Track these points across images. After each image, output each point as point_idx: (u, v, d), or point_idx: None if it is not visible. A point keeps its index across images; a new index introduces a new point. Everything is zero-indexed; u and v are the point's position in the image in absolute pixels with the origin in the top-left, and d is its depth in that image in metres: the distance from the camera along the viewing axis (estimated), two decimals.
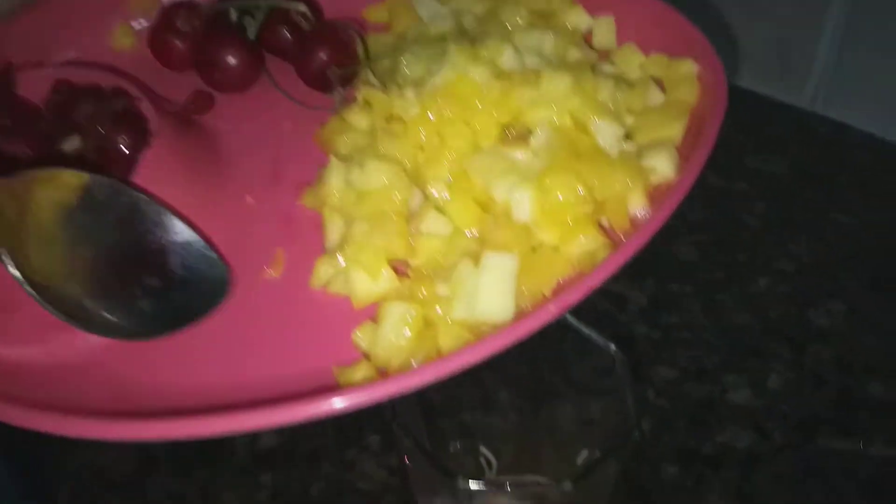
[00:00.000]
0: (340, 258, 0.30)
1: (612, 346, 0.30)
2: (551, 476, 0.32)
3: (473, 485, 0.26)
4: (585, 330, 0.31)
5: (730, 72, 0.70)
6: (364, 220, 0.30)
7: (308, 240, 0.34)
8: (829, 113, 0.67)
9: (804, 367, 0.50)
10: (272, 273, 0.32)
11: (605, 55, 0.39)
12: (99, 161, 0.30)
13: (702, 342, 0.52)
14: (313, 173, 0.35)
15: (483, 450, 0.37)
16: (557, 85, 0.32)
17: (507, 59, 0.34)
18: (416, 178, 0.31)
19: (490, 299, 0.26)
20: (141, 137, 0.31)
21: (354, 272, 0.29)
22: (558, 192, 0.29)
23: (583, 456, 0.33)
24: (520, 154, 0.31)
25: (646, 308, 0.54)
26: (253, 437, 0.46)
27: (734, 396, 0.49)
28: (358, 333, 0.28)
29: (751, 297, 0.54)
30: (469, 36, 0.37)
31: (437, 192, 0.31)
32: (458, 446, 0.36)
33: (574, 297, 0.24)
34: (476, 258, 0.28)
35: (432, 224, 0.30)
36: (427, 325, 0.27)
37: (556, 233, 0.29)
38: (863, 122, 0.66)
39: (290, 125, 0.41)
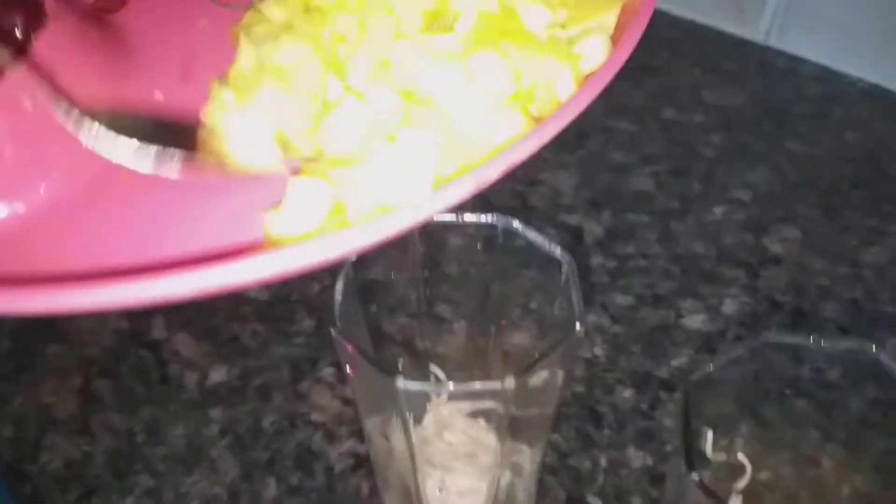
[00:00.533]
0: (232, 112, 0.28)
1: (558, 249, 0.30)
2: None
3: (414, 385, 0.25)
4: (531, 234, 0.30)
5: (685, 6, 0.70)
6: (273, 89, 0.28)
7: None
8: (784, 46, 0.67)
9: (759, 291, 0.50)
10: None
11: None
12: None
13: (657, 270, 0.51)
14: (226, 70, 0.33)
15: (433, 368, 0.36)
16: None
17: None
18: (335, 71, 0.29)
19: (407, 178, 0.24)
20: (35, 18, 0.28)
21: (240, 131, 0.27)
22: (484, 75, 0.27)
23: None
24: (444, 40, 0.29)
25: (602, 239, 0.53)
26: (202, 374, 0.45)
27: (689, 321, 0.49)
28: (268, 216, 0.26)
29: (706, 226, 0.54)
30: None
31: (356, 83, 0.29)
32: (406, 363, 0.35)
33: (493, 170, 0.22)
34: (393, 140, 0.26)
35: (350, 111, 0.28)
36: (338, 210, 0.26)
37: (481, 117, 0.27)
38: (816, 55, 0.66)
39: (203, 22, 0.39)
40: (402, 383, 0.26)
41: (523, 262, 0.33)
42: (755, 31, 0.67)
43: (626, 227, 0.54)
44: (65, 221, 0.28)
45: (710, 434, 0.30)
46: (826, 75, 0.66)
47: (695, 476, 0.25)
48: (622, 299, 0.50)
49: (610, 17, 0.31)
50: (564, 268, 0.30)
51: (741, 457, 0.32)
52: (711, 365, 0.27)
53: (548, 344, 0.33)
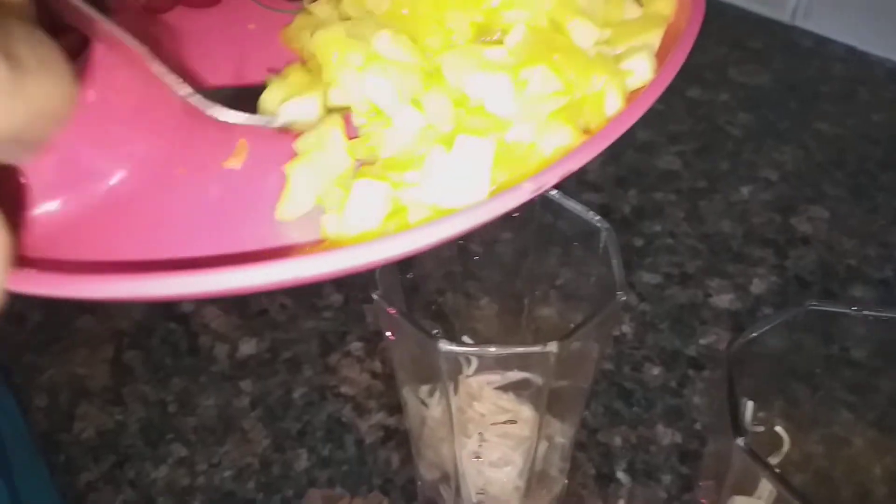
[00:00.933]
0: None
1: (596, 216, 0.29)
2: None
3: (456, 346, 0.25)
4: (568, 202, 0.30)
5: None
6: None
7: (271, 137, 0.33)
8: (810, 26, 0.67)
9: (787, 271, 0.50)
10: (233, 163, 0.31)
11: None
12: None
13: (685, 248, 0.51)
14: (278, 71, 0.34)
15: (465, 339, 0.36)
16: None
17: None
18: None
19: (463, 182, 0.25)
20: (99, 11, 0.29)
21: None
22: (534, 84, 0.27)
23: None
24: (495, 52, 0.29)
25: (629, 217, 0.53)
26: (231, 346, 0.46)
27: (717, 300, 0.48)
28: (325, 218, 0.27)
29: (734, 205, 0.54)
30: None
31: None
32: (441, 332, 0.35)
33: (550, 176, 0.23)
34: (450, 145, 0.26)
35: (405, 116, 0.29)
36: (397, 211, 0.26)
37: (531, 126, 0.27)
38: (843, 35, 0.66)
39: (255, 26, 0.39)
40: (444, 345, 0.26)
41: (559, 230, 0.33)
42: (781, 10, 0.67)
43: (653, 206, 0.54)
44: (125, 213, 0.28)
45: (750, 405, 0.30)
46: (852, 56, 0.65)
47: (740, 442, 0.25)
48: (649, 277, 0.50)
49: (654, 37, 0.31)
50: (603, 234, 0.30)
51: (779, 430, 0.32)
52: (755, 331, 0.27)
53: (583, 315, 0.33)
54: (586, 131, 0.30)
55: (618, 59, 0.31)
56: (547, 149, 0.28)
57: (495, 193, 0.25)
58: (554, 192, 0.32)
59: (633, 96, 0.30)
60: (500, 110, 0.28)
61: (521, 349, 0.27)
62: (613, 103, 0.29)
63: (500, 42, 0.31)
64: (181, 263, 0.25)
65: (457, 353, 0.26)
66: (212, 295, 0.21)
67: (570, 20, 0.31)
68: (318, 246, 0.27)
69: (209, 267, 0.20)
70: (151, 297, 0.21)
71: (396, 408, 0.42)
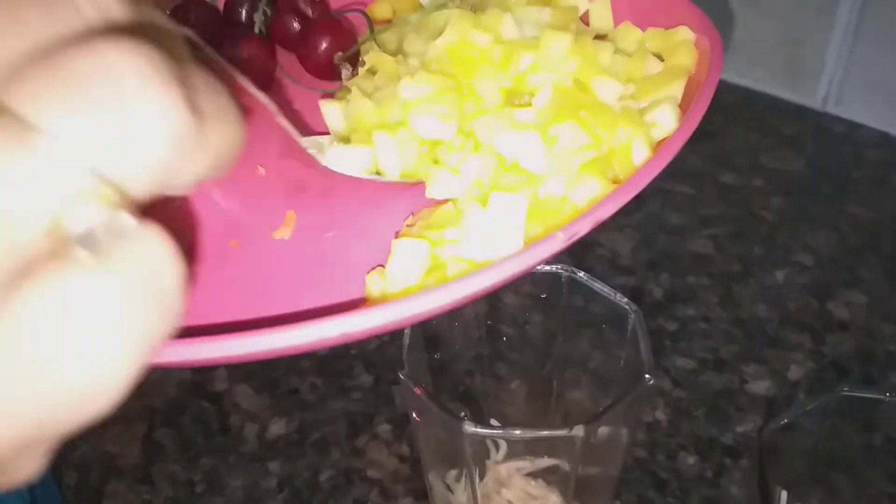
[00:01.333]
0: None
1: (624, 298, 0.30)
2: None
3: (481, 429, 0.25)
4: (596, 284, 0.30)
5: (742, 74, 0.70)
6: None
7: (317, 206, 0.34)
8: (841, 112, 0.67)
9: (825, 356, 0.49)
10: (283, 234, 0.32)
11: (602, 37, 0.40)
12: None
13: (719, 333, 0.51)
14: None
15: (493, 423, 0.36)
16: (557, 46, 0.32)
17: (507, 27, 0.34)
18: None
19: (499, 237, 0.26)
20: None
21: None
22: (564, 139, 0.29)
23: None
24: (524, 113, 0.31)
25: (662, 301, 0.53)
26: (261, 426, 0.46)
27: (754, 387, 0.47)
28: (369, 278, 0.28)
29: (768, 289, 0.53)
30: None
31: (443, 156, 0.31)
32: (468, 414, 0.35)
33: (582, 226, 0.23)
34: (485, 203, 0.27)
35: (445, 183, 0.30)
36: (436, 267, 0.27)
37: (563, 179, 0.28)
38: (875, 121, 0.66)
39: (299, 104, 0.41)
40: (469, 427, 0.26)
41: (587, 313, 0.33)
42: (812, 97, 0.68)
43: (686, 290, 0.54)
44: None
45: (784, 495, 0.29)
46: (885, 141, 0.65)
47: None
48: (684, 362, 0.49)
49: (677, 89, 0.32)
50: (632, 317, 0.30)
51: None
52: (788, 416, 0.26)
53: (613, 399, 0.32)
54: (615, 182, 0.31)
55: (642, 112, 0.32)
56: (579, 201, 0.29)
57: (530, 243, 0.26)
58: (583, 275, 0.32)
59: (659, 146, 0.31)
60: (532, 167, 0.30)
61: (546, 433, 0.27)
62: (640, 153, 0.30)
63: (528, 105, 0.32)
64: (254, 324, 0.26)
65: (482, 436, 0.26)
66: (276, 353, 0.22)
67: (594, 79, 0.32)
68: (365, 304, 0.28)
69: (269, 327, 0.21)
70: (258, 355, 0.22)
71: (423, 493, 0.42)
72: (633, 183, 0.26)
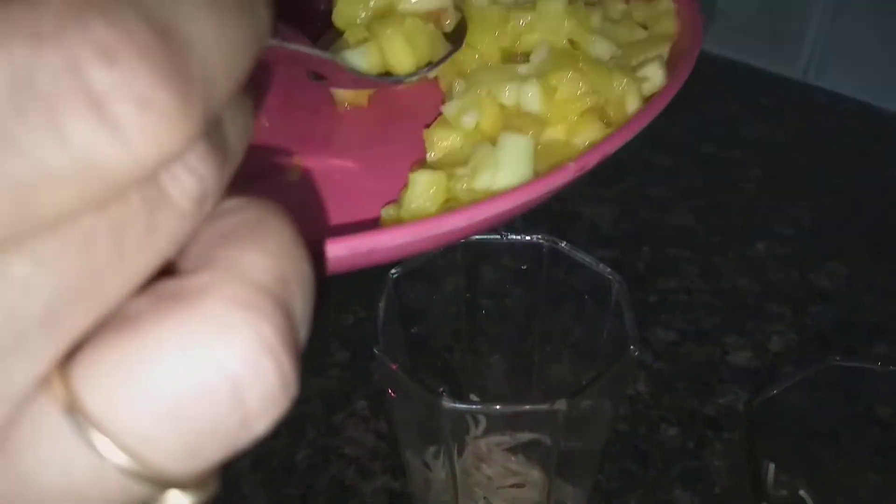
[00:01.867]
0: None
1: (607, 268, 0.29)
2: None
3: (458, 404, 0.24)
4: (578, 254, 0.29)
5: (723, 44, 0.70)
6: None
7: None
8: (822, 83, 0.67)
9: (807, 328, 0.48)
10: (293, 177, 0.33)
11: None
12: None
13: (700, 305, 0.50)
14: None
15: (472, 398, 0.35)
16: (551, 8, 0.34)
17: None
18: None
19: (510, 170, 0.27)
20: None
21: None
22: (563, 88, 0.30)
23: None
24: (523, 67, 0.32)
25: (643, 274, 0.52)
26: None
27: (735, 358, 0.47)
28: (384, 211, 0.29)
29: (750, 261, 0.53)
30: None
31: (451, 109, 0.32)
32: (447, 390, 0.34)
33: (591, 158, 0.25)
34: (493, 142, 0.29)
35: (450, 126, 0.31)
36: (451, 198, 0.28)
37: (563, 126, 0.30)
38: (856, 92, 0.65)
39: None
40: (446, 403, 0.25)
41: (569, 284, 0.32)
42: (793, 68, 0.67)
43: (666, 262, 0.53)
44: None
45: (771, 467, 0.29)
46: (866, 111, 0.65)
47: None
48: (665, 334, 0.48)
49: (663, 50, 0.34)
50: (615, 287, 0.29)
51: (803, 493, 0.30)
52: (775, 389, 0.26)
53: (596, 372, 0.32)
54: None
55: (633, 68, 0.33)
56: (580, 144, 0.30)
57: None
58: (564, 245, 0.31)
59: (649, 101, 0.32)
60: (534, 109, 0.31)
61: (527, 407, 0.26)
62: (634, 104, 0.31)
63: (526, 60, 0.34)
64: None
65: (460, 411, 0.25)
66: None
67: (588, 39, 0.34)
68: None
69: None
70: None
71: (402, 471, 0.41)
72: (635, 122, 0.27)
